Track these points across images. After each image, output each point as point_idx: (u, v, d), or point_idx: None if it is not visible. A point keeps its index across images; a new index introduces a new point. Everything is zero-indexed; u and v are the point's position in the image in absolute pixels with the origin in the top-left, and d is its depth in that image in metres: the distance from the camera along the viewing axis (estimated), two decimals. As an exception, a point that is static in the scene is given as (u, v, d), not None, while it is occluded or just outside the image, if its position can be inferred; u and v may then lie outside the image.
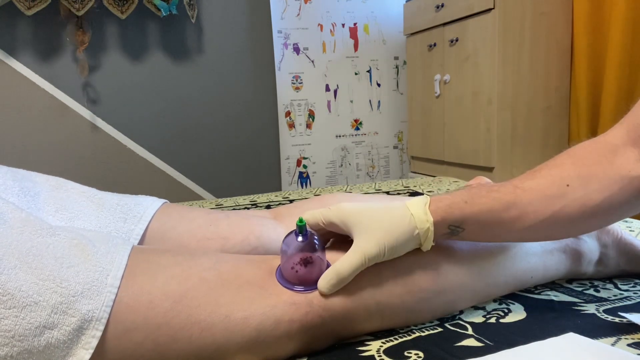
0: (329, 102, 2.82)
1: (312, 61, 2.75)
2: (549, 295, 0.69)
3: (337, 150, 2.87)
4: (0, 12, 2.21)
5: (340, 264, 0.54)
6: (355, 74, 2.84)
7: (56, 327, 0.46)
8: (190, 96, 2.55)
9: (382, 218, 0.56)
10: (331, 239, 0.63)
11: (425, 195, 0.59)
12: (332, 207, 0.59)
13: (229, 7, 2.56)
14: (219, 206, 1.39)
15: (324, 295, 0.55)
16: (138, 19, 2.40)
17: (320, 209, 0.60)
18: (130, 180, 2.48)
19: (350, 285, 0.56)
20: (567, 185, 0.57)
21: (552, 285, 0.73)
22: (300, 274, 0.55)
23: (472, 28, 2.09)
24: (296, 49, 2.71)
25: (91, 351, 0.47)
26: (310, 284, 0.56)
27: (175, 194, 2.52)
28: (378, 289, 0.57)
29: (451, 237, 0.59)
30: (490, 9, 1.98)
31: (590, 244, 0.72)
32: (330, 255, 0.59)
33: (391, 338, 0.58)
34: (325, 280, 0.55)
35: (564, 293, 0.70)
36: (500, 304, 0.67)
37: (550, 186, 0.57)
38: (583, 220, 0.58)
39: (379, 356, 0.54)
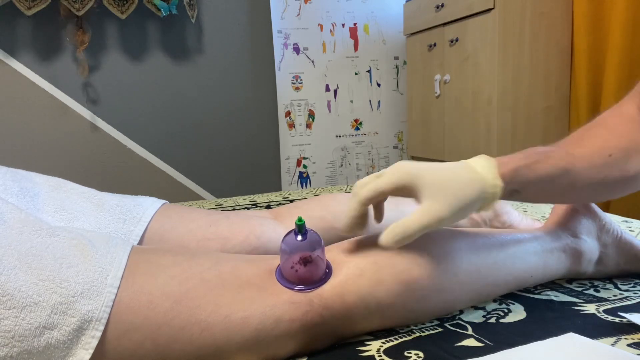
0: (329, 102, 2.82)
1: (312, 61, 2.75)
2: (549, 295, 0.69)
3: (337, 150, 2.87)
4: (0, 12, 2.21)
5: (409, 220, 0.53)
6: (355, 74, 2.84)
7: (56, 327, 0.46)
8: (190, 96, 2.55)
9: (451, 180, 0.55)
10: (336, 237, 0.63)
11: (486, 156, 0.59)
12: (394, 170, 0.56)
13: (229, 7, 2.56)
14: (219, 206, 1.39)
15: (387, 247, 0.54)
16: (138, 19, 2.40)
17: (380, 179, 0.56)
18: (130, 180, 2.48)
19: (350, 284, 0.56)
20: (609, 156, 0.61)
21: (552, 285, 0.72)
22: (300, 273, 0.55)
23: (472, 28, 2.09)
24: (296, 49, 2.71)
25: (91, 351, 0.47)
26: (310, 283, 0.55)
27: (175, 194, 2.52)
28: (378, 288, 0.57)
29: (506, 199, 0.61)
30: (490, 9, 1.98)
31: (590, 244, 0.72)
32: (330, 255, 0.59)
33: (391, 338, 0.58)
34: (390, 234, 0.53)
35: (564, 293, 0.70)
36: (500, 304, 0.67)
37: (596, 156, 0.61)
38: (620, 189, 0.64)
39: (379, 356, 0.54)
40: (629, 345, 0.54)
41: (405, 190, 0.56)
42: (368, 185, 0.57)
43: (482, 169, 0.57)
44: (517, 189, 0.59)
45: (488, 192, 0.56)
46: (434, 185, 0.55)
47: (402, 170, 0.56)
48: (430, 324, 0.61)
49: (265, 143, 2.72)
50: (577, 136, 0.64)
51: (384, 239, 0.54)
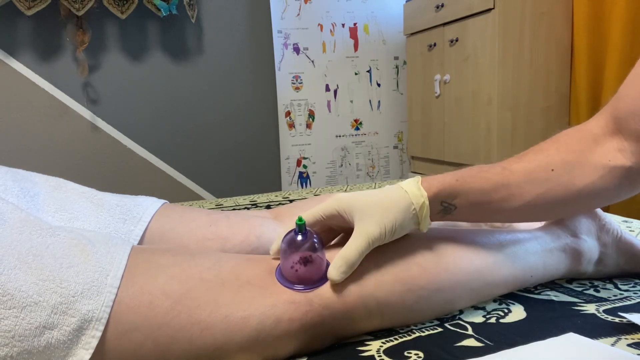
0: (329, 102, 2.82)
1: (312, 61, 2.75)
2: (549, 295, 0.69)
3: (337, 150, 2.87)
4: (0, 12, 2.21)
5: (346, 250, 0.55)
6: (355, 74, 2.84)
7: (56, 327, 0.46)
8: (190, 96, 2.55)
9: (378, 200, 0.58)
10: (338, 236, 0.63)
11: (417, 177, 0.61)
12: (328, 199, 0.60)
13: (229, 7, 2.56)
14: (219, 206, 1.39)
15: (337, 281, 0.55)
16: (138, 19, 2.40)
17: (317, 206, 0.61)
18: (130, 180, 2.48)
19: (349, 283, 0.56)
20: (552, 170, 0.60)
21: (552, 285, 0.72)
22: (300, 273, 0.55)
23: (472, 28, 2.09)
24: (296, 49, 2.71)
25: (91, 351, 0.47)
26: (310, 283, 0.55)
27: (175, 194, 2.52)
28: (378, 287, 0.57)
29: (445, 217, 0.61)
30: (490, 9, 1.98)
31: (589, 243, 0.72)
32: (330, 254, 0.59)
33: (391, 338, 0.58)
34: (335, 269, 0.55)
35: (564, 293, 0.70)
36: (500, 304, 0.67)
37: (536, 169, 0.60)
38: (565, 204, 0.62)
39: (379, 356, 0.54)
40: (629, 345, 0.54)
41: (337, 218, 0.59)
42: (309, 210, 0.61)
43: (406, 185, 0.59)
44: (450, 204, 0.59)
45: (415, 203, 0.57)
46: (363, 207, 0.57)
47: (337, 198, 0.59)
48: (430, 324, 0.61)
49: (265, 143, 2.72)
50: (522, 154, 0.63)
51: (331, 275, 0.55)
